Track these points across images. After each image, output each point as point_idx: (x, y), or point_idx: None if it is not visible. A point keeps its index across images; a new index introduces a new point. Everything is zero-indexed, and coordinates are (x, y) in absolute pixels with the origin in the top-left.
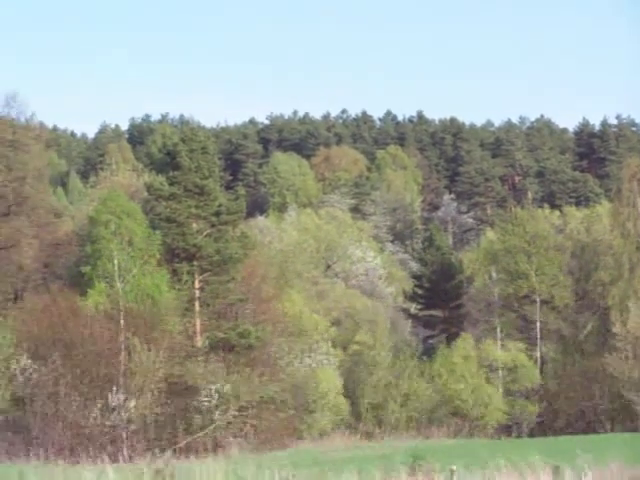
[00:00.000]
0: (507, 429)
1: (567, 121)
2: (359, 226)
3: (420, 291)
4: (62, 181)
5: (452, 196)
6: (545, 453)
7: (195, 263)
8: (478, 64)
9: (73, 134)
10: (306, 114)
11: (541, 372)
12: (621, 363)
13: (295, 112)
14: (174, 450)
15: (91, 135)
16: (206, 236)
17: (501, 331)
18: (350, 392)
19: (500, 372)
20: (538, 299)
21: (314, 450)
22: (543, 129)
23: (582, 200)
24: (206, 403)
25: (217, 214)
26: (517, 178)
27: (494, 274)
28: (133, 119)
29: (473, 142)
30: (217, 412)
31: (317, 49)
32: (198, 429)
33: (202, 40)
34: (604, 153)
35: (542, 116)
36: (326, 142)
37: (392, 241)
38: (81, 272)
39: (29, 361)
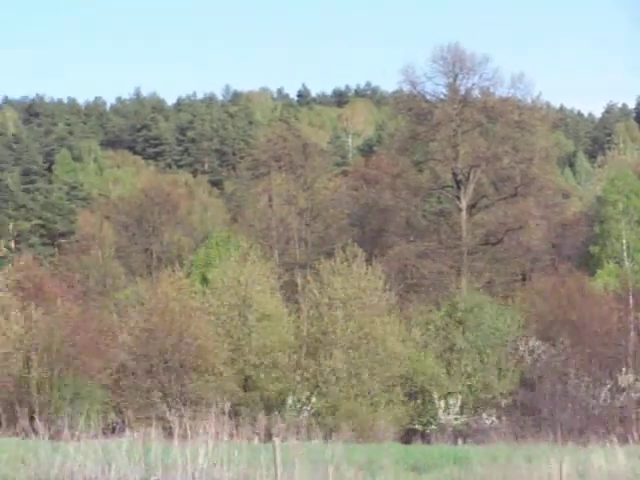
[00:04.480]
0: None
1: None
2: None
3: None
4: (570, 161)
5: None
6: None
7: None
8: None
9: (580, 114)
10: None
11: None
12: None
13: None
14: None
15: (598, 114)
16: None
17: None
18: None
19: None
20: None
21: None
22: None
23: None
24: None
25: None
26: None
27: None
28: None
29: None
30: None
31: None
32: None
33: None
34: None
35: None
36: None
37: None
38: (589, 252)
39: (538, 342)
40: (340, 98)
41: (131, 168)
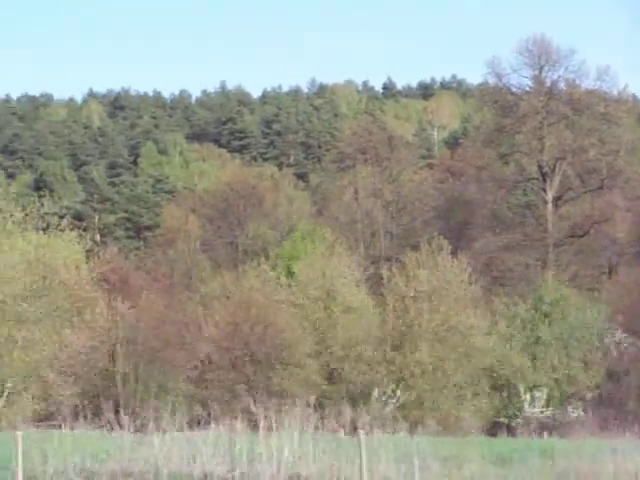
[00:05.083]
0: None
1: None
2: None
3: None
4: None
5: None
6: None
7: None
8: None
9: None
10: None
11: None
12: None
13: None
14: None
15: None
16: None
17: None
18: None
19: None
20: None
21: None
22: None
23: None
24: None
25: None
26: None
27: None
28: None
29: None
30: None
31: None
32: None
33: None
34: None
35: None
36: None
37: None
38: None
39: (624, 335)
40: (425, 91)
41: (216, 161)
